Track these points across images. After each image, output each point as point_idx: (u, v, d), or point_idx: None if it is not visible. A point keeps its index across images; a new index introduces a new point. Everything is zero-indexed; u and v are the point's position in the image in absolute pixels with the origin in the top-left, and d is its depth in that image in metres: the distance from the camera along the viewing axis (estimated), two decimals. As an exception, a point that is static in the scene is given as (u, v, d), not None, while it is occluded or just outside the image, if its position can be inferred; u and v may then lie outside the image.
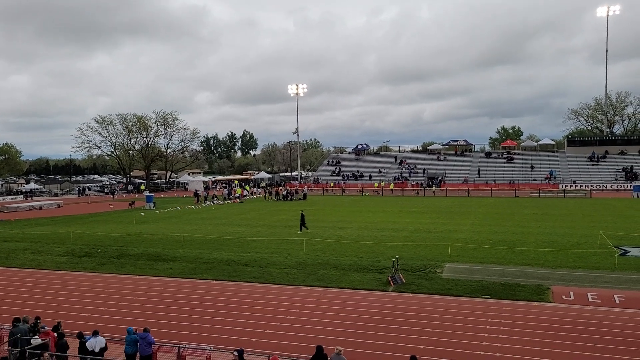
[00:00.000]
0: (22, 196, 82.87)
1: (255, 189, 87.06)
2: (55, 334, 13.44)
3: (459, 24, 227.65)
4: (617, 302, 18.63)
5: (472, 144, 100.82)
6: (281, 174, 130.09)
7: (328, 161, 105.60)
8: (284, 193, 70.21)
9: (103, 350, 13.10)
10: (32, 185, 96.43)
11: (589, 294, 19.55)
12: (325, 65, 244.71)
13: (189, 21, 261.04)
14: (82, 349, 12.98)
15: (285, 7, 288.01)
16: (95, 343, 13.03)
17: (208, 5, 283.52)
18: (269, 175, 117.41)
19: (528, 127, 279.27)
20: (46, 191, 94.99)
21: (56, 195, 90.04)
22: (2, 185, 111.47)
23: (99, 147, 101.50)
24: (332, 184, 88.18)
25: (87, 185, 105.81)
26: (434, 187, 79.31)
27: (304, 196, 68.30)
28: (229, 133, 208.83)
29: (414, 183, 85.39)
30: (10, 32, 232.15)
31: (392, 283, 21.38)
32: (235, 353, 11.89)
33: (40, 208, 60.91)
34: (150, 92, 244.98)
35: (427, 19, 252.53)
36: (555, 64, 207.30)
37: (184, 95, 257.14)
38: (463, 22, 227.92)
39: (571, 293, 19.68)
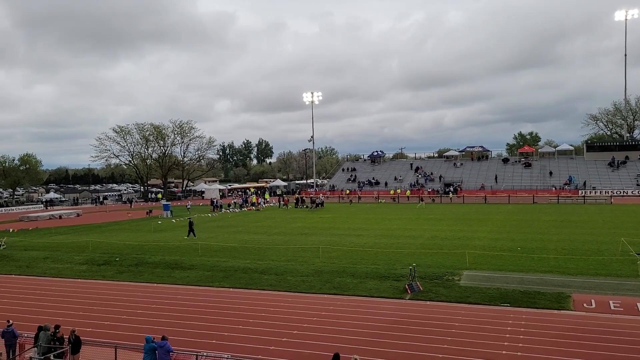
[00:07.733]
0: (42, 205, 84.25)
1: (270, 197, 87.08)
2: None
3: (485, 27, 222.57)
4: (641, 310, 18.26)
5: (489, 150, 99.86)
6: (297, 182, 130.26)
7: (343, 168, 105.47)
8: (297, 199, 69.47)
9: None
10: (51, 195, 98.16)
11: (611, 302, 19.18)
12: (347, 71, 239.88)
13: (215, 28, 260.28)
14: None
15: (310, 11, 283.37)
16: None
17: (237, 12, 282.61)
18: (285, 183, 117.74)
19: (551, 132, 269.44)
20: (65, 200, 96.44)
21: (75, 204, 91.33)
22: (22, 194, 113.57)
23: (117, 157, 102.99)
24: (347, 191, 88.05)
25: (105, 194, 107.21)
26: (451, 194, 78.67)
27: (322, 203, 67.64)
28: (245, 141, 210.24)
29: (430, 190, 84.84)
30: (34, 40, 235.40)
31: (409, 291, 21.23)
32: None
33: (60, 217, 61.80)
34: (170, 101, 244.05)
35: (453, 22, 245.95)
36: (584, 66, 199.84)
37: (204, 103, 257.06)
38: (489, 25, 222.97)
39: (592, 301, 19.33)
